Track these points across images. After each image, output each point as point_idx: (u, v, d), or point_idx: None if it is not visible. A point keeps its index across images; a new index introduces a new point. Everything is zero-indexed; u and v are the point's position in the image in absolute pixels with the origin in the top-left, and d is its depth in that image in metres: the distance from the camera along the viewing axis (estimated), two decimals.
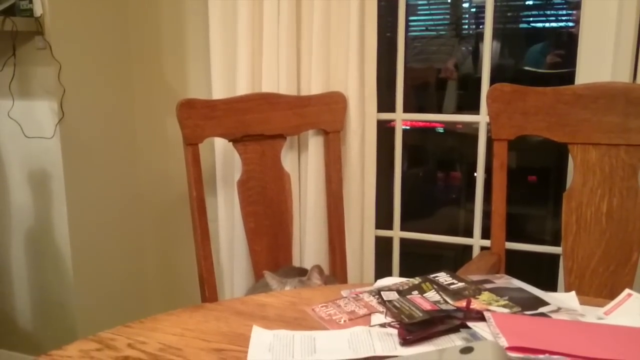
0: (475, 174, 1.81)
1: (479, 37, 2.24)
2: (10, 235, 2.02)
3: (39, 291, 2.03)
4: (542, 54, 2.46)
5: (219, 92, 1.84)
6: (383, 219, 1.90)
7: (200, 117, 1.52)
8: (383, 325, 0.88)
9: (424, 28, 2.70)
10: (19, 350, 2.11)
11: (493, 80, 1.65)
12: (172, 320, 0.92)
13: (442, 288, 0.98)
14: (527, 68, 2.51)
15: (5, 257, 2.05)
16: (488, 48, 1.71)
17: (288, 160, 1.78)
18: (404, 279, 1.04)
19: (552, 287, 1.70)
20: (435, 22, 2.76)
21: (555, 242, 1.72)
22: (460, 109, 2.63)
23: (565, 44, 2.42)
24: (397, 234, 1.92)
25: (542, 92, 1.41)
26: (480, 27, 2.19)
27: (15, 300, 2.07)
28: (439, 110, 2.64)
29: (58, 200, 1.92)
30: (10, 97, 1.88)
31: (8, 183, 1.98)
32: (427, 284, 1.00)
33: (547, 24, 2.51)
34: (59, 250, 1.95)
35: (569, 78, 1.65)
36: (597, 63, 1.59)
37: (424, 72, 2.63)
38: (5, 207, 2.00)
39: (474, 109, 1.78)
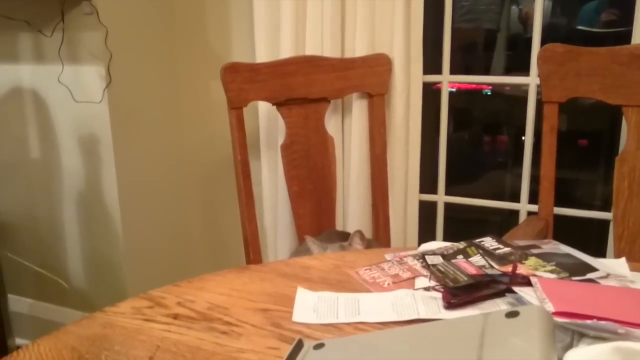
0: (523, 138, 1.77)
1: None
2: (62, 197, 2.09)
3: (90, 251, 2.10)
4: (597, 12, 2.36)
5: (262, 56, 1.83)
6: (427, 183, 1.88)
7: (244, 81, 1.52)
8: (427, 289, 0.88)
9: None
10: (71, 307, 2.20)
11: (544, 41, 1.59)
12: (219, 280, 0.94)
13: (487, 253, 0.97)
14: (580, 27, 2.41)
15: (57, 219, 2.12)
16: (539, 6, 1.65)
17: (332, 123, 1.77)
18: (448, 244, 1.03)
19: (601, 253, 1.67)
20: None
21: (605, 208, 1.67)
22: (508, 71, 2.56)
23: (621, 1, 2.31)
24: (441, 198, 1.90)
25: (596, 53, 1.36)
26: None
27: (68, 260, 2.15)
28: (486, 71, 2.58)
29: (107, 163, 1.96)
30: (60, 62, 1.92)
31: (59, 147, 2.04)
32: (473, 248, 0.99)
33: None
34: (108, 212, 2.01)
35: (625, 37, 1.58)
36: None
37: (471, 33, 2.56)
38: (56, 171, 2.07)
39: (523, 70, 1.73)
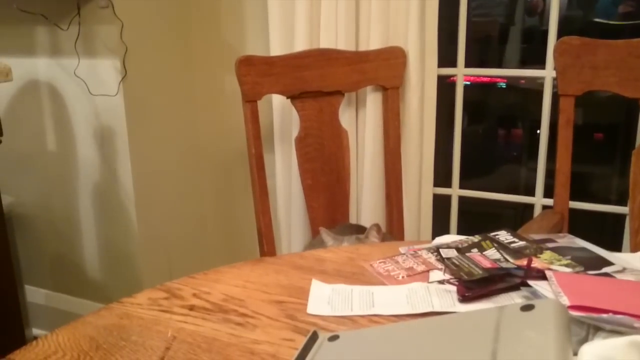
0: (538, 131, 1.76)
1: None
2: (78, 189, 2.11)
3: (105, 243, 2.12)
4: (614, 4, 2.33)
5: (277, 49, 1.83)
6: (441, 177, 1.88)
7: (258, 74, 1.52)
8: (441, 282, 0.88)
9: None
10: (87, 297, 2.22)
11: (560, 33, 1.58)
12: (234, 272, 0.95)
13: (502, 246, 0.97)
14: (597, 20, 2.39)
15: (73, 210, 2.14)
16: None
17: (346, 116, 1.77)
18: (463, 237, 1.03)
19: (616, 247, 1.66)
20: None
21: (621, 202, 1.66)
22: (523, 64, 2.54)
23: None
24: (455, 192, 1.90)
25: (613, 45, 1.35)
26: None
27: (84, 251, 2.17)
28: (501, 65, 2.56)
29: (122, 155, 1.98)
30: (76, 55, 1.93)
31: (75, 139, 2.05)
32: (487, 242, 0.99)
33: None
34: (124, 204, 2.03)
35: None
36: None
37: (486, 26, 2.54)
38: (72, 162, 2.08)
39: (539, 63, 1.72)
